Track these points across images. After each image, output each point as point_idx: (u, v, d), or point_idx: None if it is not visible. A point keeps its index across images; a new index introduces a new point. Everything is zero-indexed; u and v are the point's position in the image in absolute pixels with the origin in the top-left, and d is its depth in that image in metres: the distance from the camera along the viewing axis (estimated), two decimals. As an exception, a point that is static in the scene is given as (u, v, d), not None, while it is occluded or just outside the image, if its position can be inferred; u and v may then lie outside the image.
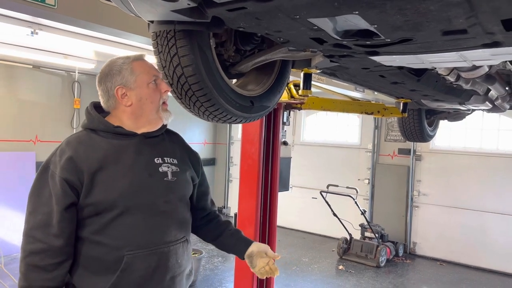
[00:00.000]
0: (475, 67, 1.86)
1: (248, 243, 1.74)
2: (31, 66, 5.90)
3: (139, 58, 1.59)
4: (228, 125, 9.20)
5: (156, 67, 1.58)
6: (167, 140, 1.68)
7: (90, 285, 1.45)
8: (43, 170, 1.46)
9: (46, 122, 6.19)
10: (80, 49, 4.54)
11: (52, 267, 1.40)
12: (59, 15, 2.44)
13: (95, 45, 3.71)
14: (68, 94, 6.40)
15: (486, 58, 1.55)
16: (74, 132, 6.56)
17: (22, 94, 5.95)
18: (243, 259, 1.74)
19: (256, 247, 1.71)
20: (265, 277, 1.74)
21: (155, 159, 1.56)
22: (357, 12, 1.09)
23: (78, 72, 6.29)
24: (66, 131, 6.36)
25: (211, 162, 9.30)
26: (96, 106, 1.61)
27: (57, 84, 6.32)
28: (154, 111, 1.56)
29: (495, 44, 1.33)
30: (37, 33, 3.02)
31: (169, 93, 1.61)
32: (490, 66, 1.96)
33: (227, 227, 1.79)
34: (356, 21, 1.17)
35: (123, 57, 1.59)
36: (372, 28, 1.21)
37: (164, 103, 1.59)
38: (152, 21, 1.46)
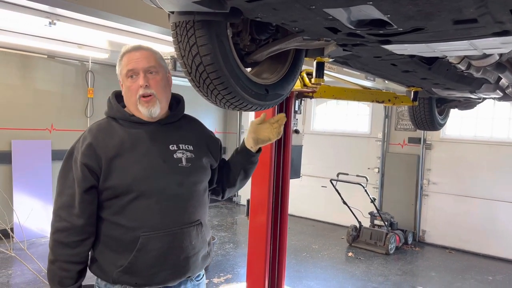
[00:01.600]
0: (485, 56, 1.89)
1: (243, 143, 1.88)
2: (46, 56, 6.01)
3: (128, 50, 1.63)
4: (238, 114, 9.26)
5: (147, 58, 1.62)
6: (185, 127, 1.75)
7: (110, 262, 1.55)
8: (69, 155, 1.58)
9: (61, 111, 6.32)
10: (94, 39, 4.62)
11: (75, 244, 1.51)
12: (77, 6, 2.51)
13: (109, 35, 3.79)
14: (82, 84, 6.51)
15: (497, 46, 1.59)
16: (88, 120, 6.68)
17: (38, 84, 6.07)
18: (257, 152, 1.87)
19: (250, 134, 1.84)
20: (280, 135, 1.88)
21: (170, 146, 1.63)
22: (371, 2, 1.14)
23: (92, 62, 6.38)
24: (80, 120, 6.48)
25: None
26: (118, 95, 1.69)
27: (71, 73, 6.43)
28: (133, 105, 1.61)
29: (505, 33, 1.37)
30: (55, 24, 3.11)
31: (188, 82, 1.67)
32: (501, 54, 1.99)
33: (228, 160, 1.92)
34: (370, 11, 1.22)
35: (124, 48, 1.66)
36: (385, 18, 1.25)
37: (142, 96, 1.58)
38: (172, 12, 1.52)
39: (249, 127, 1.88)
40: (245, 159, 1.86)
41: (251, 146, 1.85)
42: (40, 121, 6.11)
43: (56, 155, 6.05)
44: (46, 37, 4.57)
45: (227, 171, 1.87)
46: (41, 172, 6.04)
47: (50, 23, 3.08)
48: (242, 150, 1.86)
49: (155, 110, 1.61)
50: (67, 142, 6.60)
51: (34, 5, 2.65)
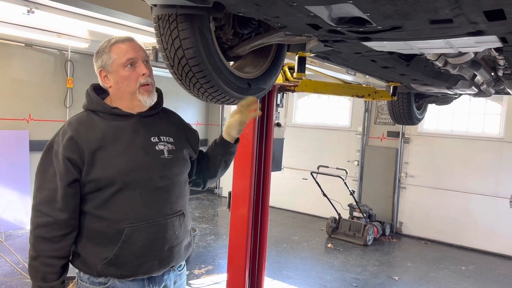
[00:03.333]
0: (461, 53, 1.95)
1: (221, 135, 1.88)
2: (23, 45, 5.86)
3: (120, 41, 1.62)
4: (220, 106, 9.24)
5: (142, 49, 1.63)
6: (164, 119, 1.75)
7: (94, 255, 1.55)
8: (48, 149, 1.55)
9: (39, 101, 6.19)
10: (74, 28, 4.53)
11: (58, 239, 1.50)
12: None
13: (89, 24, 3.72)
14: (61, 73, 6.37)
15: (471, 45, 1.65)
16: (67, 111, 6.54)
17: (15, 73, 5.92)
18: (233, 141, 1.89)
19: (226, 127, 1.87)
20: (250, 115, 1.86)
21: (152, 138, 1.64)
22: (351, 1, 1.17)
23: (71, 51, 6.25)
24: (59, 110, 6.36)
25: (203, 143, 9.37)
26: (96, 88, 1.68)
27: (50, 63, 6.29)
28: (131, 94, 1.60)
29: (479, 33, 1.42)
30: (33, 12, 3.04)
31: (170, 75, 1.68)
32: (476, 53, 2.06)
33: (207, 151, 1.91)
34: (350, 9, 1.25)
35: (108, 39, 1.64)
36: (365, 16, 1.29)
37: (143, 85, 1.60)
38: (155, 5, 1.51)
39: (225, 124, 1.89)
40: (225, 150, 1.88)
41: (226, 138, 1.87)
42: (18, 110, 5.97)
43: (34, 145, 5.93)
44: (24, 25, 4.45)
45: (207, 163, 1.89)
46: (18, 163, 5.92)
47: (28, 11, 3.01)
48: (221, 142, 1.88)
49: (154, 98, 1.65)
50: (46, 132, 6.46)
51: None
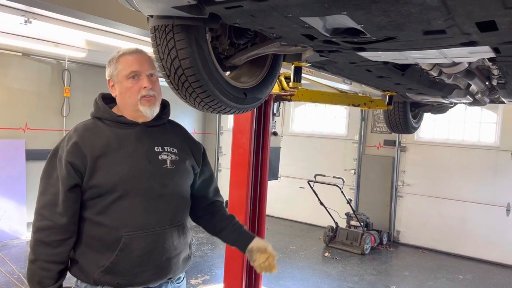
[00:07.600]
0: (455, 63, 1.97)
1: (250, 238, 1.82)
2: (21, 54, 5.87)
3: (128, 52, 1.64)
4: (217, 115, 9.26)
5: (148, 62, 1.64)
6: (169, 130, 1.76)
7: (92, 262, 1.55)
8: (53, 154, 1.58)
9: (36, 110, 6.18)
10: (71, 37, 4.55)
11: (57, 244, 1.51)
12: (54, 6, 2.48)
13: (87, 34, 3.74)
14: (58, 83, 6.37)
15: (465, 55, 1.67)
16: (64, 120, 6.52)
17: (12, 82, 5.92)
18: (244, 253, 1.84)
19: (256, 243, 1.80)
20: (263, 272, 1.82)
21: (155, 148, 1.65)
22: (345, 12, 1.18)
23: (68, 61, 6.26)
24: (56, 120, 6.36)
25: (201, 152, 9.34)
26: (105, 97, 1.70)
27: (47, 72, 6.29)
28: (132, 105, 1.62)
29: (472, 43, 1.44)
30: (30, 22, 3.05)
31: (166, 84, 1.69)
32: (470, 62, 2.08)
33: (230, 222, 1.87)
34: (344, 21, 1.27)
35: (120, 49, 1.67)
36: (359, 27, 1.30)
37: (144, 97, 1.60)
38: (151, 16, 1.53)
39: (258, 241, 1.82)
40: (231, 243, 1.90)
41: (245, 250, 1.84)
42: (14, 120, 5.95)
43: (30, 155, 5.90)
44: (21, 35, 4.47)
45: (213, 219, 1.89)
46: (14, 172, 5.87)
47: (25, 21, 3.02)
48: (239, 241, 1.86)
49: (156, 110, 1.66)
50: (42, 141, 6.42)
51: (10, 3, 2.60)
